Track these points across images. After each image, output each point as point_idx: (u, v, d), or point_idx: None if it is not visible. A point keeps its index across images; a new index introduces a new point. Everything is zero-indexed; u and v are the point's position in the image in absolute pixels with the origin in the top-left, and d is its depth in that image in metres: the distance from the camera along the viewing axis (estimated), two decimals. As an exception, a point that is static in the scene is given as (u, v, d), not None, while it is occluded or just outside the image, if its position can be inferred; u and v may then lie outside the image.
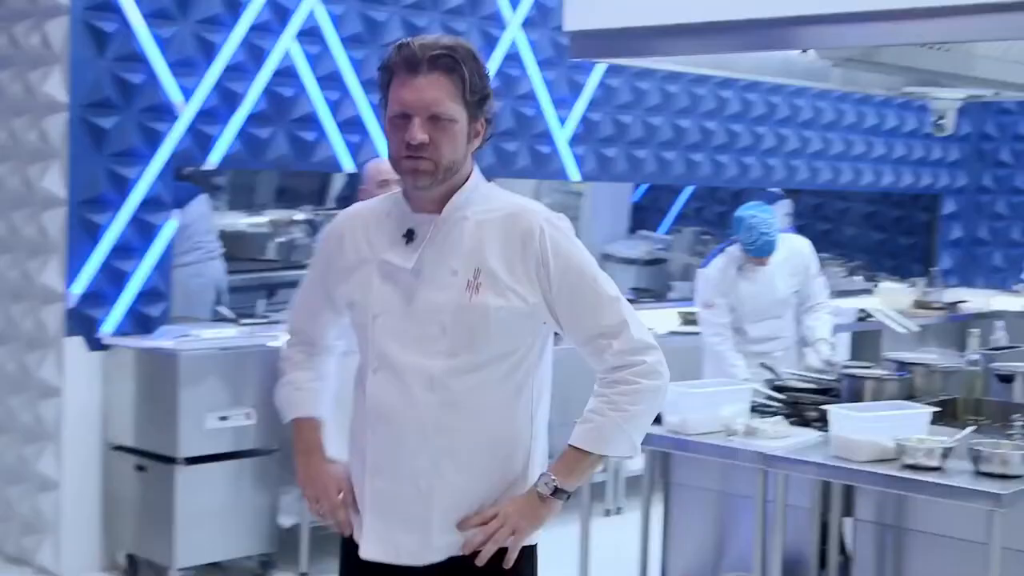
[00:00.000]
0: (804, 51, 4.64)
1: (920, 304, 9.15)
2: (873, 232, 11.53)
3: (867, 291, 9.64)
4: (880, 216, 11.34)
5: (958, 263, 10.78)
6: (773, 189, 9.29)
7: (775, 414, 4.71)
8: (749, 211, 6.28)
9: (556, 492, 2.65)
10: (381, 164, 5.72)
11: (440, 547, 2.68)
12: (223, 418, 5.70)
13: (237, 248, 8.09)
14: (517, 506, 2.68)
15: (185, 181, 6.76)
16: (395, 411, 2.68)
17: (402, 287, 2.69)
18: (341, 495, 2.81)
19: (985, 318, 8.51)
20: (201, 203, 7.52)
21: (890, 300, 9.04)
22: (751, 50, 4.59)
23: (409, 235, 2.70)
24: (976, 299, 9.64)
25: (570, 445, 2.71)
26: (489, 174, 7.61)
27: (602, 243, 10.04)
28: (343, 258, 2.81)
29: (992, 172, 11.20)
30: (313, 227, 8.77)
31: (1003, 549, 4.11)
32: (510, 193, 2.82)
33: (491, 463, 2.72)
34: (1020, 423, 4.72)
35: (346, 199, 8.86)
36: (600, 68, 7.90)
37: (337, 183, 8.85)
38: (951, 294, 9.59)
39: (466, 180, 2.73)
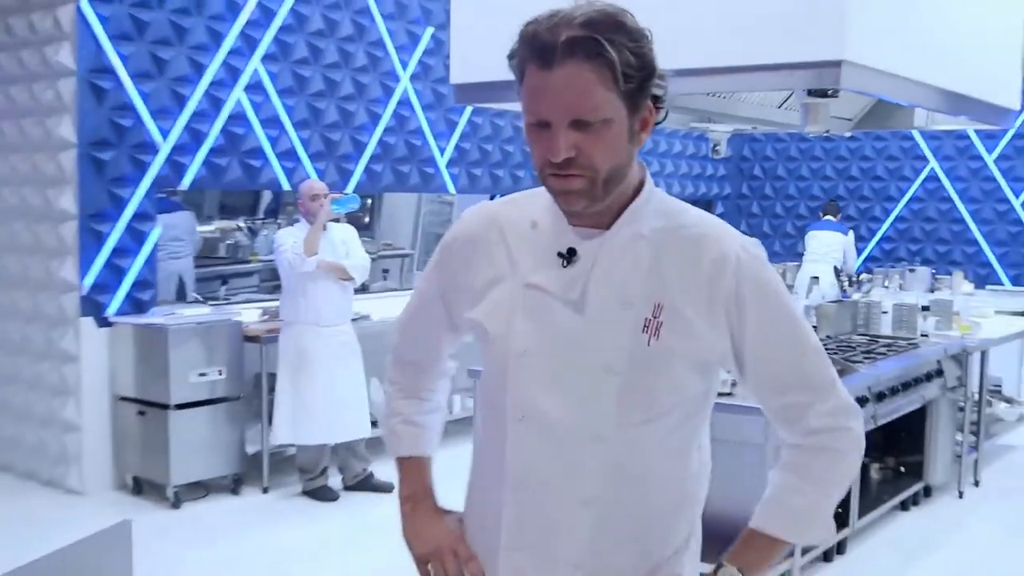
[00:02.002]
0: None
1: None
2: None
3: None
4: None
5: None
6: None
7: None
8: None
9: None
10: (314, 184, 5.94)
11: None
12: (202, 374, 5.86)
13: (202, 248, 8.43)
14: None
15: (164, 199, 6.84)
16: (547, 475, 1.72)
17: (557, 320, 1.72)
18: (467, 563, 1.83)
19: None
20: (185, 218, 7.86)
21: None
22: None
23: (569, 255, 1.72)
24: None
25: (757, 530, 1.76)
26: (387, 190, 8.14)
27: None
28: (473, 274, 1.83)
29: (748, 184, 11.74)
30: (252, 231, 9.11)
31: (774, 448, 4.21)
32: (691, 207, 1.80)
33: (658, 536, 1.78)
34: None
35: (273, 211, 9.26)
36: (469, 110, 8.07)
37: (266, 198, 9.21)
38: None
39: (638, 187, 1.73)
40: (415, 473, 1.98)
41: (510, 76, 1.68)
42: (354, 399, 6.04)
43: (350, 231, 6.13)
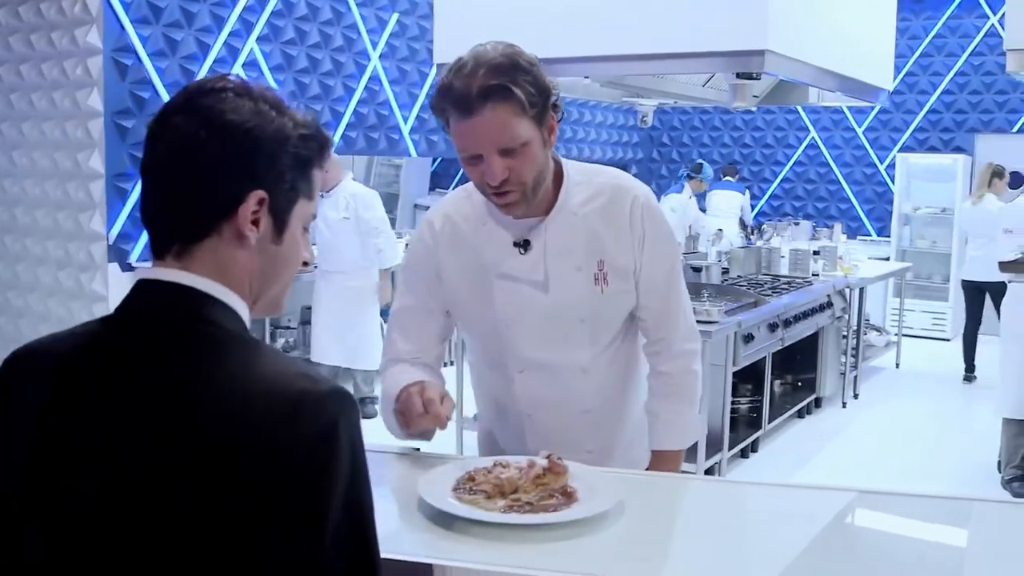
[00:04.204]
0: (586, 77, 4.80)
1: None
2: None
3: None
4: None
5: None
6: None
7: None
8: None
9: None
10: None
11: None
12: (214, 310, 6.16)
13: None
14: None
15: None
16: (552, 401, 2.01)
17: (529, 293, 1.94)
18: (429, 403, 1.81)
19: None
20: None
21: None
22: (558, 76, 4.63)
23: (525, 245, 1.94)
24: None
25: (660, 450, 2.09)
26: (359, 154, 8.29)
27: (415, 196, 10.50)
28: (449, 270, 2.01)
29: (658, 150, 12.11)
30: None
31: (711, 365, 4.86)
32: (594, 168, 2.03)
33: (633, 420, 2.13)
34: (706, 293, 5.49)
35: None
36: (427, 83, 8.26)
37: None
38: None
39: (559, 176, 1.95)
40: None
41: None
42: (359, 335, 6.31)
43: (356, 195, 6.24)
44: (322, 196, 6.22)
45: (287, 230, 1.24)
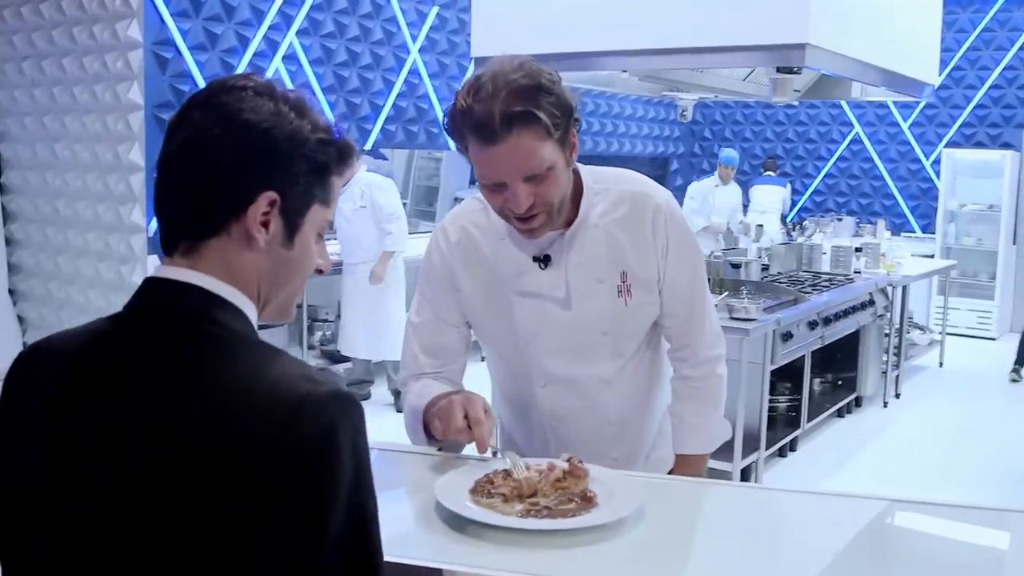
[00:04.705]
0: (624, 71, 4.79)
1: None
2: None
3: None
4: (633, 168, 11.87)
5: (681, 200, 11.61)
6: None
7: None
8: None
9: None
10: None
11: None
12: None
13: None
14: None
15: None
16: (577, 413, 1.94)
17: (550, 310, 1.87)
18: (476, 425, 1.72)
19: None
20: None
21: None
22: (595, 70, 4.57)
23: (545, 260, 1.86)
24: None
25: (685, 454, 2.04)
26: (399, 147, 8.29)
27: (455, 190, 10.69)
28: (466, 285, 1.93)
29: (699, 144, 12.02)
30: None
31: (749, 363, 4.76)
32: (613, 173, 1.93)
33: (657, 426, 2.08)
34: (745, 290, 5.41)
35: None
36: (466, 77, 8.20)
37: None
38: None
39: (578, 187, 1.85)
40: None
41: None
42: (386, 326, 6.30)
43: (372, 184, 6.28)
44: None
45: (299, 234, 1.22)
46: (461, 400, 1.75)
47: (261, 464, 1.06)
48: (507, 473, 1.65)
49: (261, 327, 1.24)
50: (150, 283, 1.21)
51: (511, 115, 1.60)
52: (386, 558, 1.16)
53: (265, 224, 1.18)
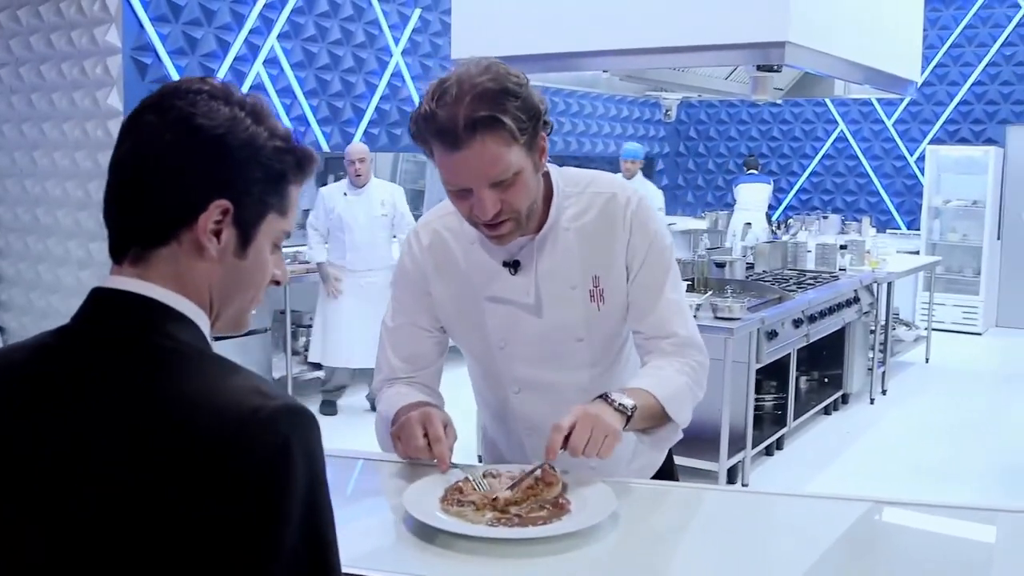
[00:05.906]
0: (605, 71, 4.76)
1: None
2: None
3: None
4: (617, 170, 11.90)
5: (667, 199, 11.59)
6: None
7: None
8: None
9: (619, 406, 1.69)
10: (350, 149, 6.16)
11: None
12: (235, 308, 6.14)
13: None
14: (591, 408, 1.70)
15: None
16: (552, 420, 1.66)
17: (521, 315, 1.81)
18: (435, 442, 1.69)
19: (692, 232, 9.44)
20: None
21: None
22: (576, 70, 4.53)
23: (515, 266, 1.81)
24: (682, 221, 10.30)
25: (643, 389, 1.76)
26: (382, 150, 8.23)
27: (441, 194, 10.73)
28: (438, 289, 1.88)
29: (684, 143, 11.97)
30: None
31: (734, 362, 4.74)
32: (587, 176, 1.86)
33: (631, 437, 1.83)
34: (730, 289, 5.36)
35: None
36: None
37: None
38: (668, 219, 10.35)
39: (548, 191, 1.79)
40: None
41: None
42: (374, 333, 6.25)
43: (394, 192, 6.29)
44: (345, 195, 6.18)
45: (252, 244, 1.18)
46: (419, 418, 1.72)
47: (210, 481, 1.02)
48: (477, 481, 1.62)
49: (246, 333, 1.22)
50: (97, 293, 1.16)
51: (475, 120, 1.55)
52: (355, 571, 1.13)
53: (217, 233, 1.14)
